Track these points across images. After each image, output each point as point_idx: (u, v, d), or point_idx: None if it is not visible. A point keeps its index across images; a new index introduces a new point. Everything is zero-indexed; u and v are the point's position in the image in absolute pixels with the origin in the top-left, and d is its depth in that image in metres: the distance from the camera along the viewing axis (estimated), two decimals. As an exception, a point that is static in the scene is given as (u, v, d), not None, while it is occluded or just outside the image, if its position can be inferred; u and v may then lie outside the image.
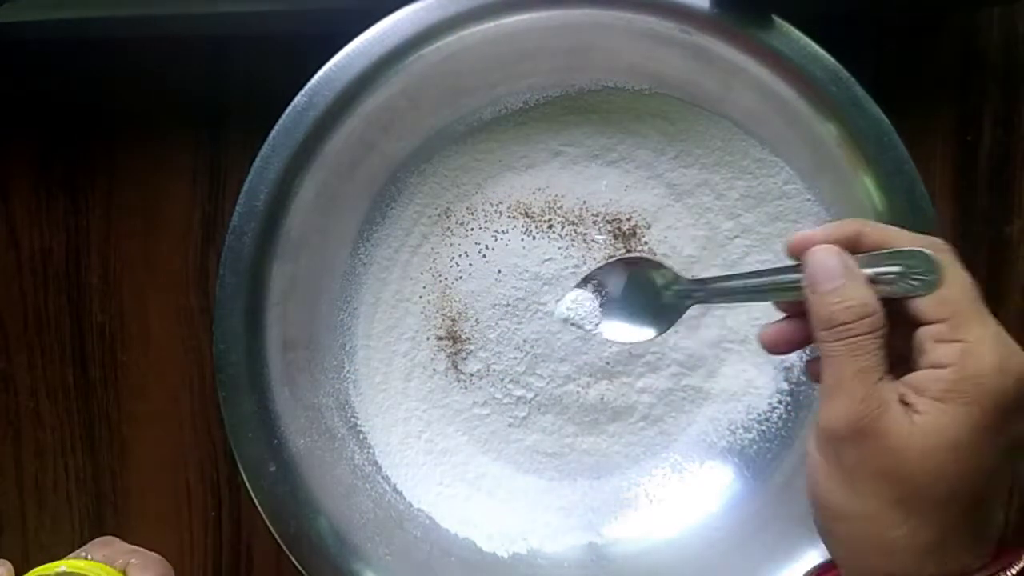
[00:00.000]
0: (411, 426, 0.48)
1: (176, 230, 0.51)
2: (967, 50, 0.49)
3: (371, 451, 0.47)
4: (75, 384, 0.51)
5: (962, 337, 0.30)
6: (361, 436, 0.48)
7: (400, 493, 0.47)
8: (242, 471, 0.43)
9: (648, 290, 0.40)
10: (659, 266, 0.40)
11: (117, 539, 0.39)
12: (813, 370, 0.36)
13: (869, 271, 0.32)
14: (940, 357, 0.30)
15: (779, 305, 0.37)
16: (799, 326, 0.35)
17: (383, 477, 0.47)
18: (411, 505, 0.47)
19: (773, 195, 0.46)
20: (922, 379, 0.31)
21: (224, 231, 0.43)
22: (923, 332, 0.31)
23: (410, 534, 0.46)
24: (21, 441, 0.52)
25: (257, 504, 0.43)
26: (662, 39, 0.43)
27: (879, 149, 0.42)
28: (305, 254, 0.45)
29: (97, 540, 0.39)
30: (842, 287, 0.32)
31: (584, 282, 0.41)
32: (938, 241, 0.33)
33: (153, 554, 0.38)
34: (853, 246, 0.33)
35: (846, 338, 0.31)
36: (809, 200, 0.46)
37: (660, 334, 0.40)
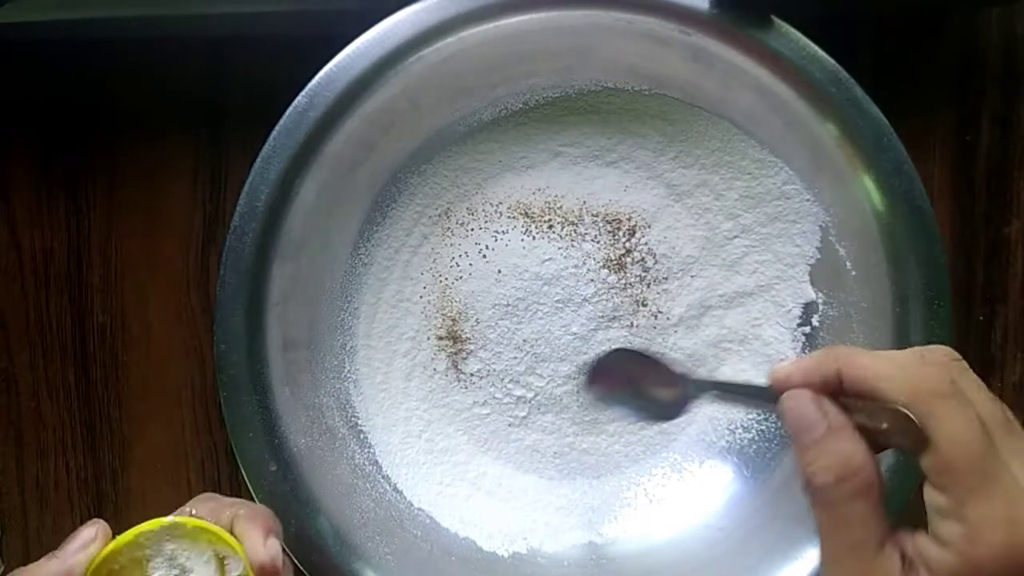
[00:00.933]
0: (411, 426, 0.48)
1: (177, 230, 0.51)
2: (966, 50, 0.49)
3: (371, 451, 0.48)
4: (76, 384, 0.51)
5: (965, 515, 0.26)
6: (362, 436, 0.48)
7: (400, 492, 0.47)
8: (243, 470, 0.43)
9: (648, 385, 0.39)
10: (656, 363, 0.39)
11: (218, 494, 0.38)
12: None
13: (857, 417, 0.29)
14: (944, 534, 0.27)
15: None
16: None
17: (383, 476, 0.47)
18: (411, 504, 0.47)
19: (772, 195, 0.46)
20: (928, 551, 0.27)
21: (225, 231, 0.43)
22: (928, 493, 0.28)
23: (410, 533, 0.46)
24: (23, 441, 0.52)
25: (258, 503, 0.43)
26: (662, 40, 0.43)
27: (878, 149, 0.42)
28: (306, 254, 0.45)
29: (200, 496, 0.38)
30: (821, 441, 0.28)
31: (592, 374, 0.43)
32: (935, 374, 0.28)
33: (259, 505, 0.37)
34: (835, 388, 0.29)
35: (829, 506, 0.28)
36: (808, 200, 0.46)
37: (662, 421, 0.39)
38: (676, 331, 0.47)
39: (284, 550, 0.38)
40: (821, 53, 0.42)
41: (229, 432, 0.43)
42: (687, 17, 0.42)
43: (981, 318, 0.50)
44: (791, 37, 0.42)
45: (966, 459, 0.27)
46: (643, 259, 0.47)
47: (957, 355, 0.29)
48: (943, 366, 0.28)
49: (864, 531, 0.27)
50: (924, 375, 0.28)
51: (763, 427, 0.48)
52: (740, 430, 0.48)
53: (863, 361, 0.29)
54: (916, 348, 0.30)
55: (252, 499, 0.43)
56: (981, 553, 0.26)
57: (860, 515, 0.27)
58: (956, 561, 0.26)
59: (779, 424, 0.47)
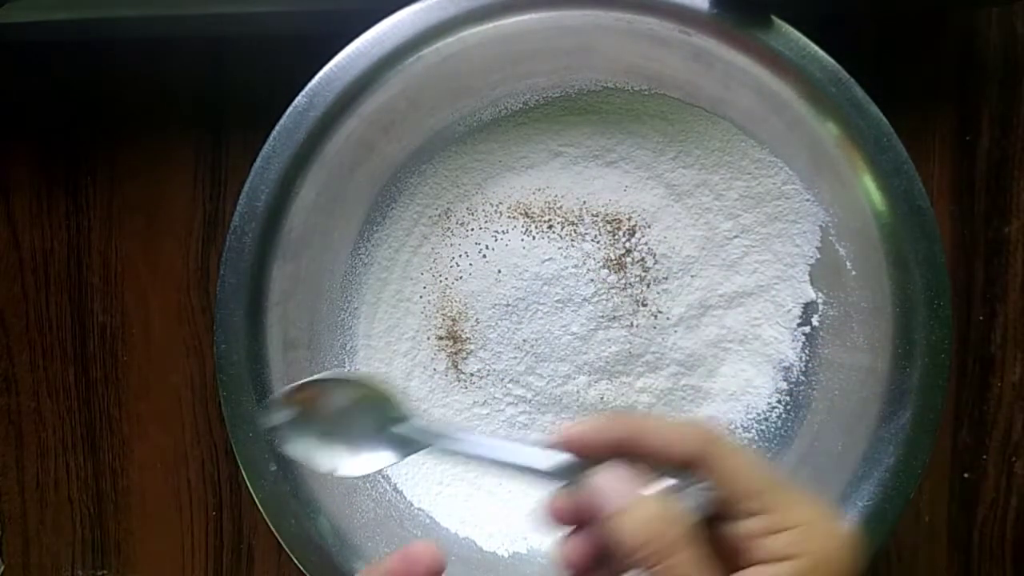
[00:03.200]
0: (411, 425, 0.48)
1: (177, 230, 0.51)
2: (966, 50, 0.49)
3: (371, 450, 0.48)
4: (76, 384, 0.51)
5: (787, 521, 0.28)
6: (362, 435, 0.48)
7: (400, 492, 0.47)
8: (243, 470, 0.43)
9: (368, 418, 0.35)
10: (383, 396, 0.35)
11: None
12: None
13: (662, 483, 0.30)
14: (773, 549, 0.28)
15: (555, 514, 0.33)
16: (593, 540, 0.32)
17: (383, 477, 0.47)
18: (411, 504, 0.47)
19: (772, 195, 0.46)
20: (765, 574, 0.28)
21: (225, 231, 0.43)
22: (739, 528, 0.29)
23: (410, 533, 0.46)
24: (23, 441, 0.52)
25: (258, 503, 0.43)
26: (662, 40, 0.43)
27: (878, 149, 0.42)
28: (306, 254, 0.45)
29: None
30: (631, 506, 0.29)
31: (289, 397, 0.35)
32: (704, 431, 0.30)
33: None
34: (631, 449, 0.30)
35: (654, 566, 0.28)
36: (808, 200, 0.46)
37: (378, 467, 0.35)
38: (676, 331, 0.47)
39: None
40: (821, 53, 0.42)
41: (229, 432, 0.43)
42: (687, 17, 0.42)
43: (981, 318, 0.50)
44: (791, 37, 0.42)
45: (763, 479, 0.29)
46: (643, 259, 0.47)
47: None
48: (706, 427, 0.31)
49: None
50: (696, 433, 0.30)
51: (763, 427, 0.48)
52: (740, 430, 0.48)
53: (652, 435, 0.30)
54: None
55: (253, 498, 0.43)
56: (816, 547, 0.28)
57: (686, 567, 0.28)
58: (796, 566, 0.28)
59: (779, 424, 0.47)
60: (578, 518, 0.32)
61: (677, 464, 0.30)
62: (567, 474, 0.32)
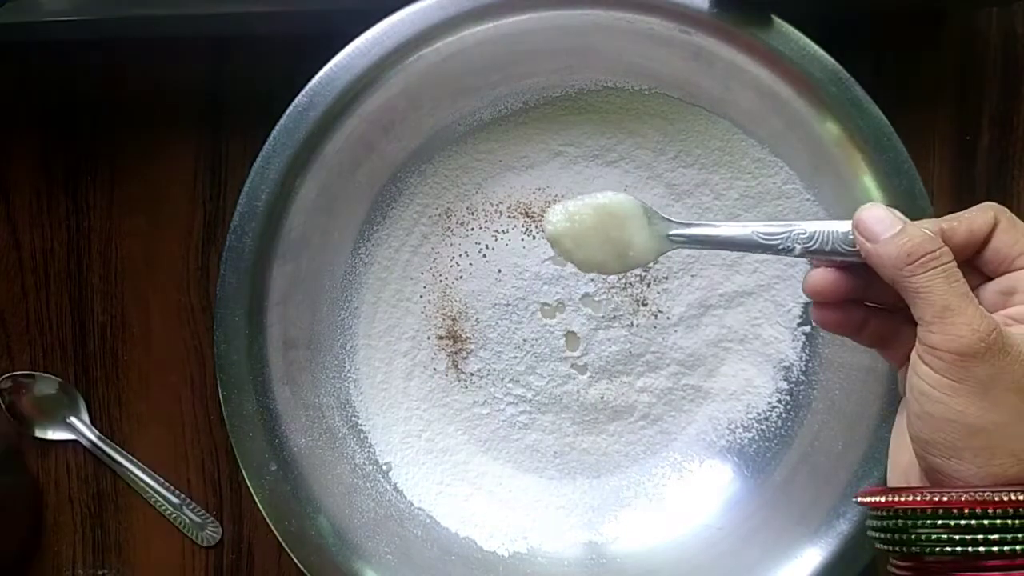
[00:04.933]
0: (412, 425, 0.48)
1: (177, 230, 0.51)
2: (966, 50, 0.49)
3: (372, 450, 0.48)
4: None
5: None
6: (362, 435, 0.48)
7: (401, 492, 0.47)
8: (243, 470, 0.43)
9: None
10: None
11: None
12: (822, 317, 0.37)
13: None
14: None
15: (814, 263, 0.37)
16: (843, 276, 0.36)
17: (384, 476, 0.47)
18: (412, 504, 0.47)
19: (772, 195, 0.46)
20: None
21: (225, 231, 0.43)
22: (1015, 277, 0.33)
23: (411, 533, 0.46)
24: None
25: (258, 503, 0.43)
26: (662, 39, 0.43)
27: (878, 149, 0.42)
28: (306, 254, 0.45)
29: None
30: (904, 229, 0.33)
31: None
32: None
33: None
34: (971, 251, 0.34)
35: (937, 266, 0.32)
36: (808, 200, 0.46)
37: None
38: (676, 330, 0.47)
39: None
40: (821, 52, 0.42)
41: (229, 432, 0.43)
42: (687, 16, 0.42)
43: (981, 318, 0.50)
44: (791, 37, 0.42)
45: None
46: (643, 259, 0.47)
47: None
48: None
49: (967, 286, 0.32)
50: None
51: (763, 427, 0.48)
52: (740, 430, 0.48)
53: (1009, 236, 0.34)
54: None
55: (253, 498, 0.43)
56: None
57: (960, 274, 0.32)
58: None
59: (779, 423, 0.47)
60: (834, 288, 0.36)
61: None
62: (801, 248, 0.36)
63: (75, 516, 0.52)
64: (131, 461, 0.51)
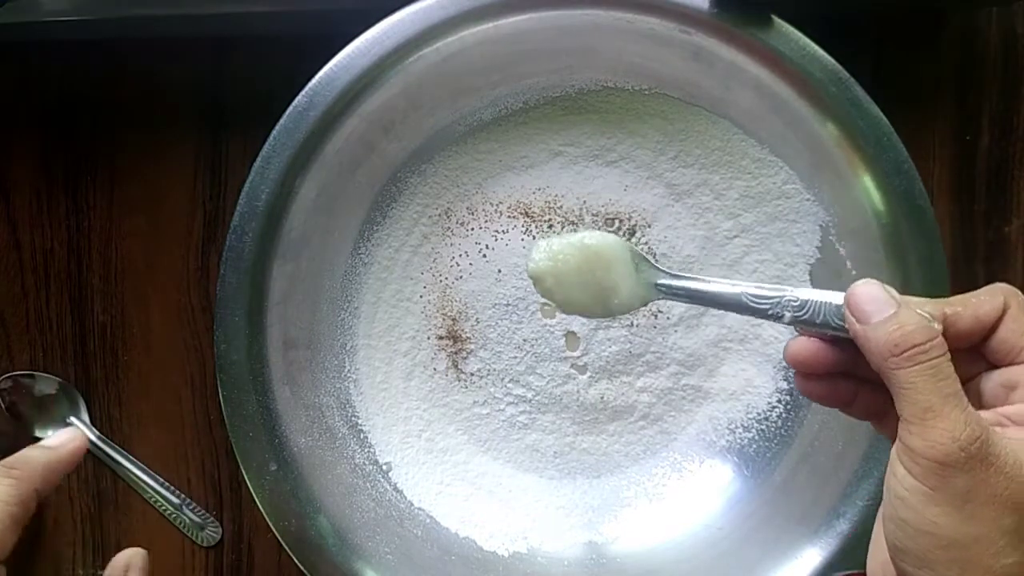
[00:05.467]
0: (412, 425, 0.48)
1: (177, 230, 0.51)
2: (966, 50, 0.49)
3: (372, 450, 0.48)
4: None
5: None
6: (362, 435, 0.48)
7: (401, 492, 0.47)
8: (243, 470, 0.43)
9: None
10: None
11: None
12: (807, 388, 0.35)
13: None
14: None
15: (801, 331, 0.35)
16: (830, 349, 0.34)
17: (384, 476, 0.47)
18: (412, 504, 0.47)
19: (772, 195, 0.46)
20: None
21: (225, 231, 0.43)
22: (1020, 371, 0.31)
23: (411, 533, 0.46)
24: (23, 440, 0.52)
25: (258, 503, 0.43)
26: (662, 39, 0.43)
27: (878, 149, 0.42)
28: (306, 254, 0.45)
29: None
30: (896, 314, 0.30)
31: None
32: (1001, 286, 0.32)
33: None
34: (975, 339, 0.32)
35: (925, 362, 0.29)
36: (808, 200, 0.46)
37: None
38: (676, 330, 0.47)
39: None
40: (821, 52, 0.42)
41: (229, 432, 0.43)
42: (687, 16, 0.42)
43: (981, 318, 0.50)
44: (791, 37, 0.42)
45: None
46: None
47: None
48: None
49: (957, 385, 0.29)
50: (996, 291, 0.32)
51: (763, 427, 0.48)
52: (740, 430, 0.48)
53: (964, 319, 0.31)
54: None
55: (253, 498, 0.43)
56: None
57: (951, 370, 0.30)
58: None
59: (779, 424, 0.47)
60: (817, 360, 0.34)
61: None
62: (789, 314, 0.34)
63: (75, 516, 0.52)
64: (131, 461, 0.51)
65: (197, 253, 0.51)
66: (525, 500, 0.48)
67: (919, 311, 0.31)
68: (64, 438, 0.42)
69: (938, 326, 0.30)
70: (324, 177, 0.44)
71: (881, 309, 0.31)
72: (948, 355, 0.30)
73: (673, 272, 0.36)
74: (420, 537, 0.46)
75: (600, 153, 0.48)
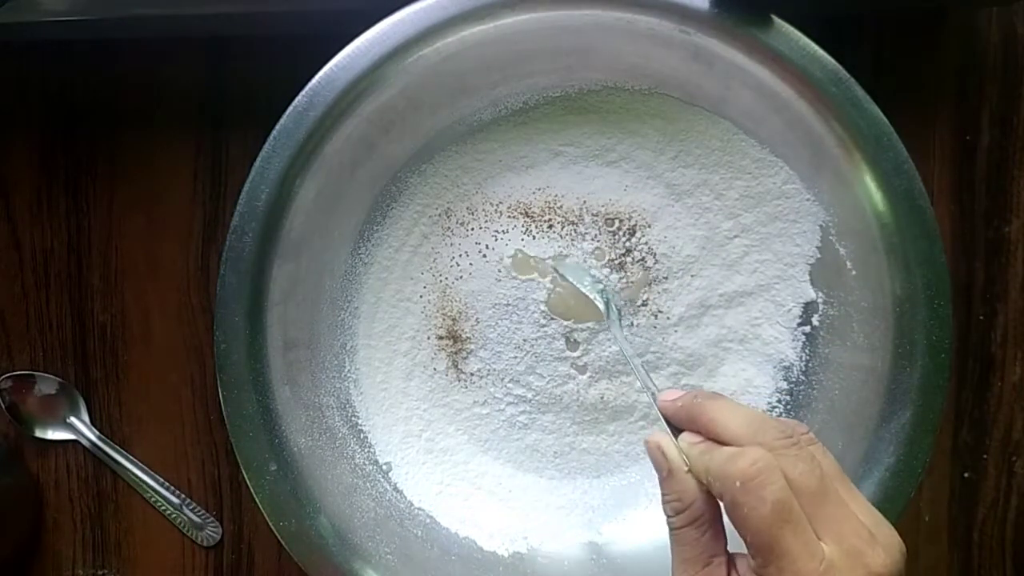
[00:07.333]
0: (412, 425, 0.48)
1: (177, 230, 0.51)
2: (966, 50, 0.49)
3: (372, 450, 0.48)
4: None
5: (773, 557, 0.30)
6: (362, 435, 0.48)
7: (401, 492, 0.47)
8: (243, 470, 0.43)
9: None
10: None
11: None
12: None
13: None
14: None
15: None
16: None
17: (384, 476, 0.47)
18: (412, 504, 0.47)
19: (772, 195, 0.46)
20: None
21: (225, 231, 0.43)
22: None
23: (411, 533, 0.46)
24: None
25: (258, 503, 0.43)
26: (662, 39, 0.43)
27: (878, 149, 0.42)
28: (306, 254, 0.45)
29: None
30: (664, 481, 0.34)
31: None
32: (772, 431, 0.32)
33: None
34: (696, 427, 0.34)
35: (672, 530, 0.33)
36: (808, 200, 0.46)
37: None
38: (676, 331, 0.47)
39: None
40: (822, 53, 0.42)
41: (229, 432, 0.43)
42: (687, 16, 0.42)
43: (981, 318, 0.50)
44: (791, 37, 0.42)
45: (775, 513, 0.31)
46: (643, 259, 0.47)
47: (806, 428, 0.33)
48: (781, 430, 0.32)
49: (695, 551, 0.33)
50: (764, 430, 0.32)
51: (763, 427, 0.48)
52: (740, 430, 0.48)
53: (716, 415, 0.33)
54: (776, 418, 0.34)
55: (253, 498, 0.43)
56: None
57: (693, 537, 0.33)
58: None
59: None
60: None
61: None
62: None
63: (75, 516, 0.52)
64: (131, 461, 0.51)
65: (197, 253, 0.51)
66: (525, 500, 0.48)
67: (683, 481, 0.33)
68: None
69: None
70: (324, 177, 0.44)
71: (657, 471, 0.34)
72: (696, 522, 0.32)
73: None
74: (420, 537, 0.46)
75: (600, 153, 0.48)
